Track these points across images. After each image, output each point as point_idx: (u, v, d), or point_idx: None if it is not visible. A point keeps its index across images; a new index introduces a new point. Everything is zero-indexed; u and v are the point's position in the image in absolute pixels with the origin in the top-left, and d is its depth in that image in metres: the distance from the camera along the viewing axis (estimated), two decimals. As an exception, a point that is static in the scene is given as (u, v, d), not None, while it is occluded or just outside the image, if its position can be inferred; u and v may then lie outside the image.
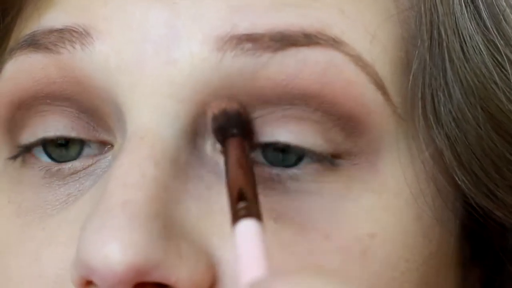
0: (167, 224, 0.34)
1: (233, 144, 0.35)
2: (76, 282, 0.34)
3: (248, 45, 0.36)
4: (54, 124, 0.39)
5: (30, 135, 0.40)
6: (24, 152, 0.40)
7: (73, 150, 0.39)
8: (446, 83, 0.38)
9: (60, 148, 0.39)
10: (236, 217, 0.32)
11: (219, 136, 0.36)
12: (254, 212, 0.32)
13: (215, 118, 0.36)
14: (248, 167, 0.34)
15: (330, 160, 0.37)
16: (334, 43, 0.37)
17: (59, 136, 0.39)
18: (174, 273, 0.34)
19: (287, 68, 0.36)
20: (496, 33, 0.39)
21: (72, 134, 0.39)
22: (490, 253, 0.44)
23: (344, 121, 0.37)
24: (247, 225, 0.32)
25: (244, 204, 0.33)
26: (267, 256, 0.31)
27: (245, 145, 0.35)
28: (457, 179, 0.39)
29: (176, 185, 0.35)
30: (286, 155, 0.37)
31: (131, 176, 0.34)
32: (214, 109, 0.36)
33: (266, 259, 0.31)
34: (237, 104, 0.36)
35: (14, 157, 0.40)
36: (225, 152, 0.36)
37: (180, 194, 0.35)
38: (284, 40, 0.36)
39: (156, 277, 0.33)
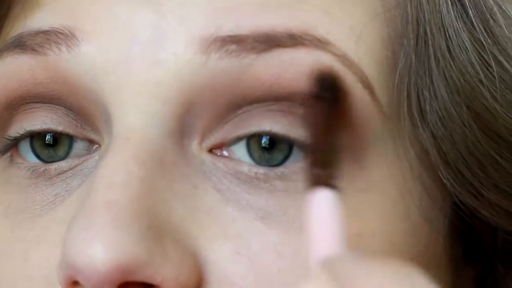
0: (152, 224, 0.34)
1: (325, 108, 0.33)
2: (62, 282, 0.35)
3: (233, 47, 0.36)
4: (42, 119, 0.39)
5: (17, 128, 0.40)
6: (12, 145, 0.40)
7: (61, 150, 0.40)
8: (432, 82, 0.38)
9: (48, 148, 0.40)
10: (313, 183, 0.30)
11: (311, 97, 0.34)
12: (333, 183, 0.30)
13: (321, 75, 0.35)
14: (335, 138, 0.33)
15: None
16: (319, 43, 0.37)
17: (46, 129, 0.39)
18: (160, 273, 0.34)
19: (272, 68, 0.36)
20: (484, 32, 0.39)
21: (59, 128, 0.39)
22: (481, 252, 0.44)
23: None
24: (325, 195, 0.30)
25: (324, 172, 0.31)
26: (344, 232, 0.29)
27: (335, 112, 0.34)
28: (442, 177, 0.39)
29: (162, 185, 0.36)
30: (272, 154, 0.37)
31: (116, 176, 0.34)
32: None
33: (343, 235, 0.29)
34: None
35: (2, 152, 0.40)
36: (314, 114, 0.34)
37: (166, 194, 0.36)
38: (269, 41, 0.36)
39: (141, 277, 0.34)
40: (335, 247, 0.29)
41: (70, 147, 0.39)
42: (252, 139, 0.37)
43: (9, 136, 0.40)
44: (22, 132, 0.40)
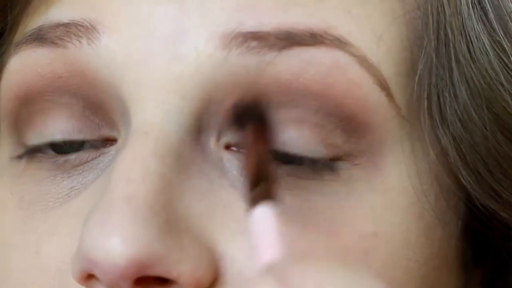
0: (169, 219, 0.34)
1: (251, 132, 0.35)
2: (76, 275, 0.35)
3: (254, 43, 0.36)
4: (60, 128, 0.39)
5: (36, 135, 0.40)
6: (30, 153, 0.40)
7: (76, 145, 0.39)
8: (452, 84, 0.38)
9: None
10: (251, 205, 0.32)
11: (237, 124, 0.35)
12: (267, 196, 0.32)
13: (235, 106, 0.36)
14: (263, 152, 0.34)
15: (328, 164, 0.37)
16: (339, 43, 0.37)
17: (67, 140, 0.39)
18: (176, 268, 0.34)
19: (292, 67, 0.36)
20: (503, 35, 0.39)
21: (80, 137, 0.39)
22: (492, 255, 0.44)
23: (346, 122, 0.37)
24: (261, 211, 0.32)
25: (258, 190, 0.32)
26: (284, 239, 0.31)
27: (266, 132, 0.35)
28: (462, 179, 0.39)
29: (180, 181, 0.35)
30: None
31: (134, 170, 0.34)
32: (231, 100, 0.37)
33: (283, 242, 0.31)
34: (254, 96, 0.36)
35: (19, 157, 0.40)
36: (243, 140, 0.35)
37: (183, 190, 0.35)
38: (290, 39, 0.36)
39: (158, 271, 0.34)
40: (277, 254, 0.31)
41: (84, 143, 0.39)
42: None
43: (28, 146, 0.40)
44: (39, 143, 0.39)
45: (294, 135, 0.37)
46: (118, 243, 0.33)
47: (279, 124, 0.36)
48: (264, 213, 0.32)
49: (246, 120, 0.35)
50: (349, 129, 0.37)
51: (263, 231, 0.31)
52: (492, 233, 0.43)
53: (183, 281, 0.34)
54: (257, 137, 0.34)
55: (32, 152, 0.40)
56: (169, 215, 0.34)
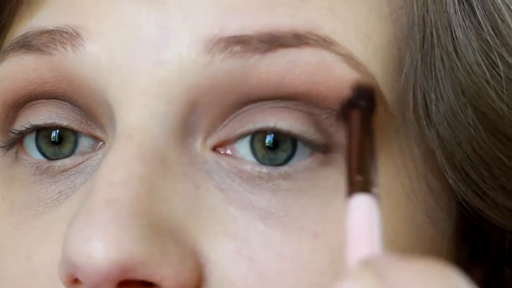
0: (152, 222, 0.34)
1: (360, 117, 0.34)
2: (63, 279, 0.35)
3: (237, 48, 0.36)
4: (47, 114, 0.39)
5: (23, 122, 0.40)
6: (17, 140, 0.40)
7: (66, 147, 0.40)
8: (438, 82, 0.38)
9: (53, 146, 0.40)
10: (351, 190, 0.31)
11: (346, 107, 0.35)
12: (370, 188, 0.31)
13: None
14: (371, 144, 0.33)
15: (322, 149, 0.37)
16: (324, 43, 0.36)
17: (51, 124, 0.39)
18: (159, 272, 0.34)
19: (277, 68, 0.36)
20: (492, 32, 0.38)
21: (64, 123, 0.39)
22: (489, 253, 0.44)
23: (336, 117, 0.37)
24: (364, 200, 0.31)
25: (361, 178, 0.32)
26: (380, 235, 0.30)
27: (370, 120, 0.34)
28: (448, 178, 0.38)
29: (164, 184, 0.35)
30: (276, 153, 0.37)
31: (117, 174, 0.35)
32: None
33: (380, 237, 0.30)
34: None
35: (7, 146, 0.41)
36: (350, 122, 0.34)
37: (168, 193, 0.35)
38: (273, 41, 0.36)
39: (141, 275, 0.34)
40: (374, 250, 0.30)
41: (75, 145, 0.40)
42: (256, 138, 0.37)
43: (14, 130, 0.40)
44: (27, 126, 0.40)
45: (287, 116, 0.37)
46: (100, 247, 0.33)
47: (269, 109, 0.37)
48: (365, 203, 0.31)
49: (363, 103, 0.35)
50: (338, 124, 0.37)
51: (362, 223, 0.30)
52: (484, 233, 0.42)
53: (167, 284, 0.34)
54: (364, 126, 0.34)
55: (16, 140, 0.40)
56: (152, 219, 0.34)
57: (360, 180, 0.32)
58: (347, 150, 0.33)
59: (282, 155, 0.37)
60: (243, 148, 0.37)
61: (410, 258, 0.28)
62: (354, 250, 0.30)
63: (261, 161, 0.37)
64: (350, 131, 0.34)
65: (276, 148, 0.37)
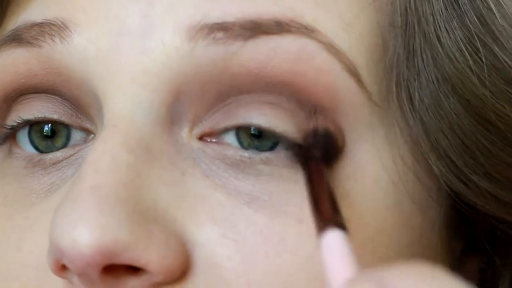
0: (137, 208, 0.35)
1: (316, 167, 0.36)
2: (51, 266, 0.35)
3: (219, 34, 0.36)
4: (38, 108, 0.40)
5: (14, 117, 0.41)
6: (9, 135, 0.41)
7: (59, 141, 0.40)
8: (421, 70, 0.38)
9: (46, 140, 0.40)
10: (322, 227, 0.33)
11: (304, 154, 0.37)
12: (339, 223, 0.33)
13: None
14: (330, 191, 0.36)
15: (298, 147, 0.37)
16: (306, 30, 0.37)
17: (42, 118, 0.40)
18: (144, 256, 0.34)
19: (259, 55, 0.36)
20: (475, 19, 0.39)
21: (55, 116, 0.40)
22: (482, 246, 0.44)
23: (316, 109, 0.37)
24: (333, 235, 0.33)
25: (330, 215, 0.34)
26: (357, 264, 0.32)
27: (324, 170, 0.37)
28: (432, 165, 0.38)
29: (149, 172, 0.36)
30: (261, 141, 0.37)
31: (103, 161, 0.35)
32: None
33: (356, 266, 0.31)
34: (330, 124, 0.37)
35: (0, 141, 0.41)
36: (309, 171, 0.36)
37: (153, 180, 0.36)
38: (255, 28, 0.36)
39: (126, 259, 0.34)
40: (351, 275, 0.31)
41: (68, 138, 0.40)
42: (241, 129, 0.37)
43: (6, 125, 0.41)
44: (19, 121, 0.40)
45: (269, 113, 0.37)
46: (84, 232, 0.33)
47: (252, 104, 0.37)
48: (335, 238, 0.33)
49: (320, 153, 0.37)
50: (319, 116, 0.37)
51: (335, 254, 0.32)
52: (477, 223, 0.42)
53: (152, 268, 0.34)
54: (322, 170, 0.36)
55: (9, 135, 0.41)
56: (136, 205, 0.35)
57: (329, 217, 0.34)
58: (311, 191, 0.35)
59: (268, 143, 0.37)
60: (229, 138, 0.38)
61: (395, 265, 0.29)
62: (333, 280, 0.31)
63: (246, 147, 0.37)
64: (310, 180, 0.36)
65: (261, 136, 0.37)
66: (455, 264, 0.43)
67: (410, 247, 0.39)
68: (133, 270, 0.35)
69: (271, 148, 0.37)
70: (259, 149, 0.37)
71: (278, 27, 0.37)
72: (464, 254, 0.44)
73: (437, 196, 0.40)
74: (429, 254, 0.40)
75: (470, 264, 0.44)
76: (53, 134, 0.40)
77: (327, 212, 0.34)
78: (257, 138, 0.37)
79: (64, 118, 0.40)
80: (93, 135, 0.40)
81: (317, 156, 0.36)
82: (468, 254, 0.44)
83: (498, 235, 0.43)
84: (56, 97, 0.40)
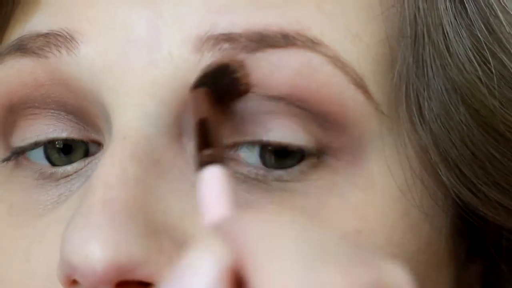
0: (148, 222, 0.35)
1: (200, 96, 0.35)
2: (62, 281, 0.35)
3: (226, 45, 0.36)
4: (44, 128, 0.40)
5: (21, 138, 0.40)
6: (16, 155, 0.41)
7: (77, 156, 0.40)
8: (429, 80, 0.38)
9: (59, 153, 0.40)
10: (200, 164, 0.32)
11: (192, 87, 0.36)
12: (217, 159, 0.32)
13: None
14: (213, 120, 0.34)
15: (315, 152, 0.37)
16: (312, 44, 0.37)
17: (51, 139, 0.40)
18: (156, 271, 0.34)
19: (261, 69, 0.36)
20: (483, 28, 0.39)
21: (63, 135, 0.40)
22: (486, 250, 0.44)
23: (321, 118, 0.37)
24: (211, 171, 0.32)
25: (208, 152, 0.33)
26: (233, 198, 0.31)
27: (210, 97, 0.35)
28: (441, 175, 0.38)
29: (159, 184, 0.36)
30: (285, 160, 0.37)
31: (113, 175, 0.35)
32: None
33: (232, 201, 0.31)
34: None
35: (6, 159, 0.41)
36: (194, 102, 0.36)
37: (163, 193, 0.36)
38: (262, 41, 0.36)
39: (139, 275, 0.34)
40: (226, 213, 0.30)
41: (86, 154, 0.40)
42: (264, 146, 0.37)
43: (14, 148, 0.40)
44: (25, 144, 0.40)
45: (275, 126, 0.37)
46: (96, 247, 0.33)
47: (258, 117, 0.37)
48: (213, 173, 0.32)
49: (209, 81, 0.35)
50: (325, 125, 0.37)
51: (211, 190, 0.31)
52: (481, 229, 0.42)
53: None
54: (207, 102, 0.35)
55: (17, 155, 0.40)
56: (148, 219, 0.35)
57: (208, 154, 0.32)
58: (194, 129, 0.34)
59: (292, 161, 0.37)
60: (248, 154, 0.37)
61: (255, 213, 0.29)
62: (207, 217, 0.30)
63: (255, 163, 0.37)
64: (194, 109, 0.35)
65: (286, 155, 0.37)
66: (460, 267, 0.43)
67: (418, 255, 0.39)
68: (144, 285, 0.35)
69: (296, 164, 0.37)
70: (283, 166, 0.37)
71: (284, 40, 0.36)
72: (468, 257, 0.44)
73: (444, 205, 0.40)
74: (436, 261, 0.40)
75: (474, 268, 0.45)
76: (70, 149, 0.40)
77: (207, 146, 0.33)
78: (280, 156, 0.37)
79: (73, 135, 0.39)
80: (100, 146, 0.39)
81: (208, 85, 0.35)
82: (472, 257, 0.44)
83: (504, 243, 0.43)
84: (60, 112, 0.39)
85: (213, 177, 0.31)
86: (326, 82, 0.37)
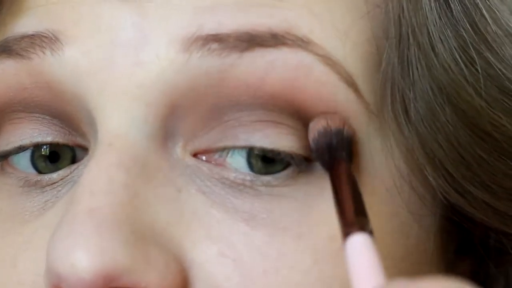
0: (135, 229, 0.34)
1: (342, 167, 0.36)
2: None
3: (214, 45, 0.36)
4: (29, 132, 0.39)
5: (5, 142, 0.40)
6: (1, 158, 0.40)
7: (64, 163, 0.39)
8: (415, 80, 0.38)
9: (46, 161, 0.40)
10: (347, 231, 0.32)
11: (326, 155, 0.36)
12: (367, 228, 0.33)
13: (320, 134, 0.37)
14: (357, 190, 0.35)
15: (303, 157, 0.37)
16: (302, 43, 0.36)
17: (35, 143, 0.39)
18: (144, 279, 0.34)
19: (257, 69, 0.36)
20: (469, 28, 0.38)
21: (48, 139, 0.39)
22: (474, 248, 0.44)
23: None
24: (360, 240, 0.32)
25: (355, 219, 0.33)
26: (383, 270, 0.31)
27: (350, 168, 0.36)
28: (428, 176, 0.38)
29: (146, 190, 0.36)
30: (272, 165, 0.37)
31: (98, 182, 0.35)
32: (318, 125, 0.37)
33: (382, 272, 0.31)
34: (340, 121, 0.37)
35: None
36: (333, 174, 0.36)
37: (150, 199, 0.36)
38: (251, 41, 0.36)
39: (125, 283, 0.34)
40: (380, 281, 0.30)
41: (73, 160, 0.39)
42: (251, 151, 0.37)
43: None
44: (10, 148, 0.40)
45: (271, 133, 0.37)
46: (83, 256, 0.33)
47: (254, 123, 0.37)
48: (361, 241, 0.32)
49: (335, 155, 0.36)
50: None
51: (363, 260, 0.31)
52: (471, 228, 0.42)
53: None
54: (347, 170, 0.35)
55: (2, 159, 0.40)
56: (134, 226, 0.34)
57: (354, 221, 0.33)
58: (336, 195, 0.34)
59: (279, 167, 0.37)
60: (235, 159, 0.37)
61: (421, 279, 0.29)
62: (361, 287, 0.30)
63: (255, 171, 0.37)
64: (337, 182, 0.35)
65: (272, 160, 0.37)
66: (449, 266, 0.43)
67: (407, 256, 0.39)
68: None
69: (283, 169, 0.37)
70: (270, 171, 0.37)
71: (274, 40, 0.36)
72: (457, 257, 0.44)
73: (432, 205, 0.40)
74: (425, 261, 0.40)
75: (463, 267, 0.45)
76: (57, 157, 0.40)
77: (351, 215, 0.33)
78: (267, 162, 0.37)
79: (58, 139, 0.39)
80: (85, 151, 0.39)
81: (343, 157, 0.36)
82: (461, 257, 0.44)
83: (491, 242, 0.43)
84: (45, 116, 0.39)
85: (360, 246, 0.31)
86: (321, 81, 0.36)
